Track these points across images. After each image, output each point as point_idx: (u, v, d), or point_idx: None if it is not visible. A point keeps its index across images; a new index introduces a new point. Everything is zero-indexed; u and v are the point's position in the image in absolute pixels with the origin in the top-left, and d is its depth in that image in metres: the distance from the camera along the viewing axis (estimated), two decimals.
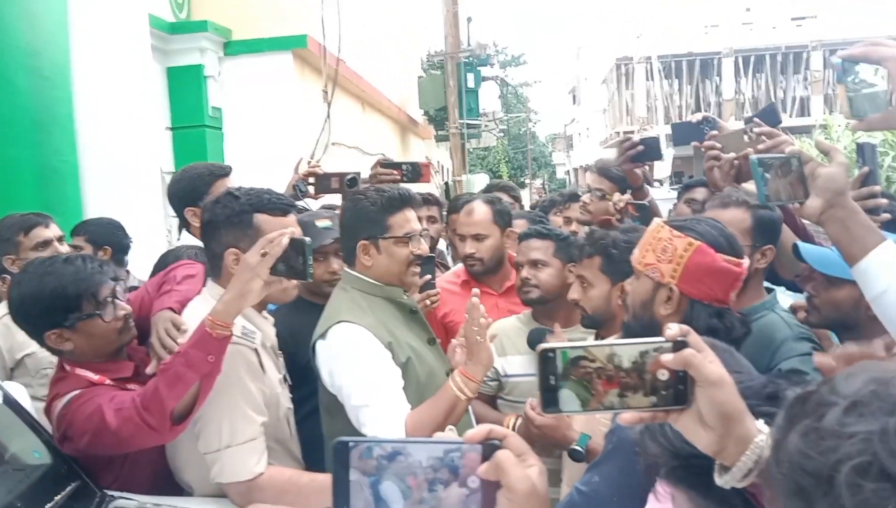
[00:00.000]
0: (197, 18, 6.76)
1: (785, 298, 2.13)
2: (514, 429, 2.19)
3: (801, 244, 1.91)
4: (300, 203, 3.09)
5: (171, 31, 6.38)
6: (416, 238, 2.18)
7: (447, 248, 4.64)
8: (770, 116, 2.43)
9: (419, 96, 14.40)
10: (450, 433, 1.83)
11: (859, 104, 1.35)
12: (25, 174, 4.21)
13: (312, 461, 2.12)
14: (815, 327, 1.90)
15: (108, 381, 1.93)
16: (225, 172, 2.80)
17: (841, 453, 0.57)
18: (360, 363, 1.99)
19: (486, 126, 17.48)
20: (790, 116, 32.51)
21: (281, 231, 1.78)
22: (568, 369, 0.87)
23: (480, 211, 2.94)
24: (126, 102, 4.73)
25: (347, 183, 2.85)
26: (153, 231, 4.65)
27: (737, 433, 0.85)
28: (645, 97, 34.94)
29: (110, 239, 3.66)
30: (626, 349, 0.87)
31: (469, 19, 16.08)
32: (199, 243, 2.31)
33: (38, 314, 1.90)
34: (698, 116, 2.48)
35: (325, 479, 1.83)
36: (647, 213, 2.67)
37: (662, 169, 19.42)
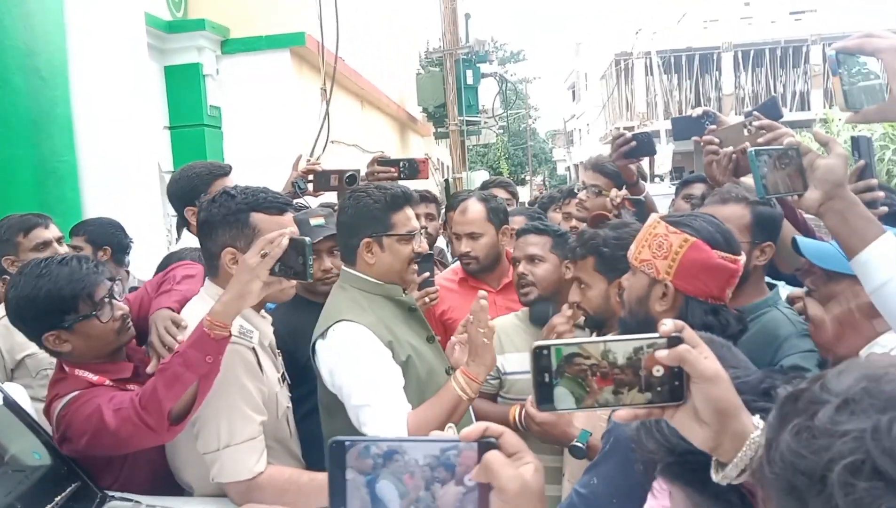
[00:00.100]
0: (194, 17, 6.76)
1: (785, 292, 2.12)
2: (518, 419, 2.19)
3: (799, 239, 1.90)
4: (299, 201, 3.09)
5: (168, 30, 6.38)
6: (417, 236, 2.20)
7: (447, 246, 4.65)
8: (771, 109, 2.42)
9: (418, 93, 14.39)
10: (449, 432, 1.83)
11: (855, 96, 1.34)
12: (24, 175, 4.21)
13: (312, 460, 2.12)
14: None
15: (107, 382, 1.93)
16: (225, 171, 2.80)
17: (833, 452, 0.57)
18: (361, 363, 1.99)
19: (485, 123, 17.46)
20: (790, 111, 32.46)
21: (280, 231, 1.77)
22: (562, 366, 0.86)
23: (475, 209, 2.94)
24: (123, 102, 4.73)
25: (347, 180, 2.84)
26: (152, 231, 4.66)
27: (733, 429, 0.85)
28: (644, 93, 34.89)
29: (110, 239, 3.66)
30: (620, 346, 0.86)
31: (467, 16, 16.05)
32: None
33: (35, 317, 1.90)
34: (698, 111, 2.47)
35: (325, 478, 1.81)
36: (643, 208, 2.67)
37: (663, 164, 19.42)
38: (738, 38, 34.11)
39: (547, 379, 0.87)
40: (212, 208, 1.92)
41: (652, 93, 33.73)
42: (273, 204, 1.93)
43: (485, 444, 0.82)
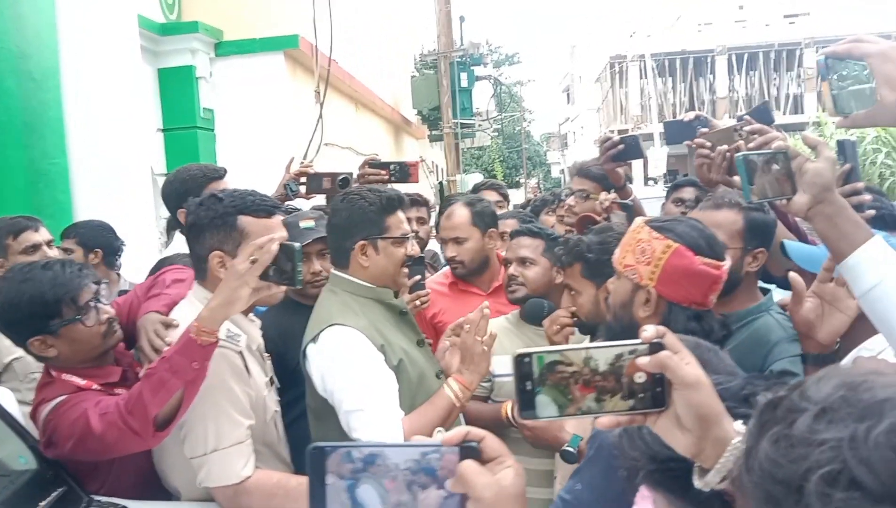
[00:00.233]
0: (188, 19, 6.74)
1: (778, 295, 2.13)
2: (511, 415, 2.20)
3: (787, 243, 1.91)
4: (291, 203, 3.08)
5: (161, 33, 6.36)
6: (409, 239, 2.21)
7: (441, 249, 4.65)
8: (763, 114, 2.43)
9: (412, 96, 14.38)
10: (437, 436, 1.83)
11: (844, 101, 1.34)
12: (15, 177, 4.20)
13: (302, 463, 2.10)
14: None
15: (95, 386, 1.91)
16: (219, 174, 2.79)
17: (811, 461, 0.57)
18: (354, 367, 1.98)
19: (479, 125, 17.48)
20: (784, 114, 32.60)
21: (270, 236, 1.76)
22: (544, 373, 0.86)
23: (459, 214, 2.95)
24: (116, 104, 4.71)
25: (339, 183, 2.84)
26: (145, 234, 4.64)
27: (714, 435, 0.85)
28: (639, 96, 34.96)
29: (101, 242, 3.64)
30: (602, 353, 0.86)
31: (462, 18, 16.08)
32: None
33: (19, 322, 1.88)
34: (690, 116, 2.47)
35: None
36: (631, 212, 2.67)
37: (657, 167, 19.46)
38: (732, 42, 34.25)
39: (529, 387, 0.86)
40: (199, 211, 1.91)
41: (646, 96, 33.80)
42: (261, 207, 1.92)
43: (466, 448, 0.82)
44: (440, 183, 15.05)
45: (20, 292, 1.86)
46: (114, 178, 4.67)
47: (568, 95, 50.25)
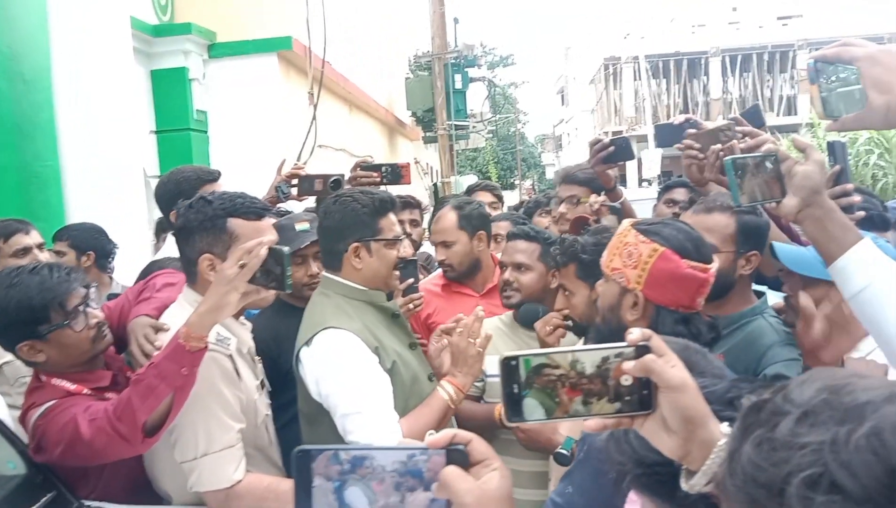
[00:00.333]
0: (181, 21, 6.74)
1: (773, 297, 2.13)
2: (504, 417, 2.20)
3: (776, 244, 1.91)
4: (283, 205, 3.07)
5: (154, 34, 6.35)
6: (402, 241, 2.22)
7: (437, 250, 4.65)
8: (753, 117, 2.43)
9: (406, 98, 14.39)
10: (427, 437, 1.83)
11: (833, 105, 1.35)
12: (7, 179, 4.19)
13: None
14: (793, 326, 1.90)
15: (85, 390, 1.90)
16: (213, 176, 2.77)
17: (792, 464, 0.57)
18: (349, 370, 1.98)
19: (474, 127, 17.49)
20: (777, 116, 32.71)
21: (258, 240, 1.75)
22: (531, 377, 0.86)
23: (446, 218, 2.95)
24: (108, 106, 4.71)
25: (331, 185, 2.83)
26: (137, 236, 4.63)
27: (701, 437, 0.85)
28: (633, 97, 35.04)
29: (93, 244, 3.63)
30: (588, 356, 0.86)
31: (456, 20, 16.09)
32: None
33: (7, 327, 1.86)
34: (681, 119, 2.47)
35: None
36: (620, 215, 2.67)
37: (652, 168, 19.49)
38: (725, 43, 34.34)
39: (516, 390, 0.86)
40: (189, 213, 1.90)
41: (640, 97, 33.89)
42: (250, 209, 1.91)
43: (453, 451, 0.82)
44: (435, 185, 15.06)
45: (8, 298, 1.84)
46: (106, 180, 4.66)
47: (562, 96, 50.30)
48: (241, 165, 5.52)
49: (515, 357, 0.86)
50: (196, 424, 1.80)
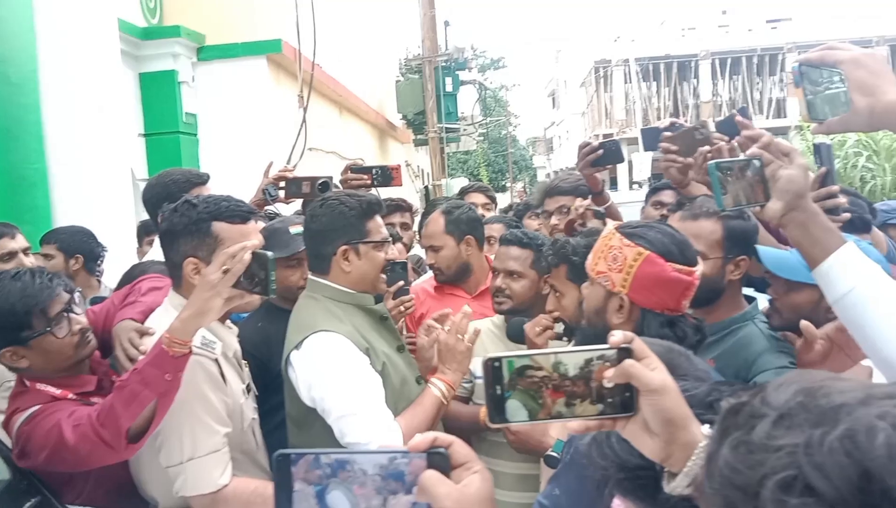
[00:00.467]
0: (169, 24, 6.70)
1: (763, 301, 2.12)
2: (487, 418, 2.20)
3: (760, 248, 1.92)
4: (270, 208, 3.06)
5: (143, 37, 6.32)
6: (389, 243, 2.22)
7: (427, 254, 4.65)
8: (730, 126, 2.45)
9: (397, 100, 14.38)
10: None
11: (818, 108, 1.35)
12: None
13: None
14: (778, 329, 1.91)
15: (70, 395, 1.89)
16: (202, 179, 2.75)
17: (767, 467, 0.57)
18: (343, 372, 1.97)
19: (464, 130, 17.51)
20: (766, 118, 32.89)
21: (242, 245, 1.73)
22: (514, 379, 0.86)
23: (434, 222, 2.97)
24: (96, 109, 4.68)
25: (319, 187, 2.82)
26: (125, 240, 4.60)
27: (682, 439, 0.85)
28: (623, 100, 35.19)
29: (82, 247, 3.62)
30: (571, 358, 0.86)
31: (446, 23, 16.11)
32: None
33: None
34: (666, 122, 2.49)
35: None
36: (604, 220, 2.68)
37: (642, 170, 19.58)
38: (715, 46, 34.54)
39: (499, 392, 0.86)
40: (173, 217, 1.89)
41: (631, 100, 34.03)
42: (235, 213, 1.89)
43: (433, 455, 0.81)
44: (426, 187, 15.05)
45: None
46: (94, 183, 4.64)
47: (553, 99, 50.41)
48: (231, 168, 5.50)
49: (499, 359, 0.86)
50: (181, 428, 1.79)
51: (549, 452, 1.92)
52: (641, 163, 18.96)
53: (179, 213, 1.88)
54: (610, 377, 0.85)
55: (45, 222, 4.21)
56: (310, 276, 2.22)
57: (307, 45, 6.85)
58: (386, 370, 2.08)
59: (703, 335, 1.63)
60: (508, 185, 35.44)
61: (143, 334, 1.90)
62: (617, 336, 0.85)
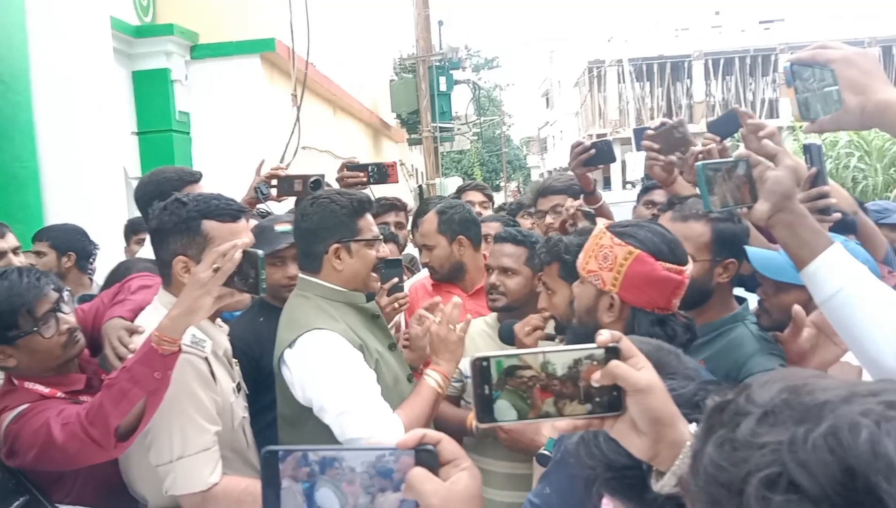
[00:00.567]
0: (162, 22, 6.67)
1: (753, 299, 2.12)
2: (476, 427, 2.21)
3: (749, 249, 1.92)
4: (262, 206, 3.05)
5: (136, 35, 6.29)
6: (380, 241, 2.22)
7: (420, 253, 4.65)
8: (728, 123, 2.46)
9: (391, 100, 14.37)
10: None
11: (811, 106, 1.36)
12: None
13: None
14: (767, 329, 1.91)
15: (59, 394, 1.88)
16: (195, 178, 2.74)
17: (751, 464, 0.57)
18: (339, 369, 1.97)
19: (459, 129, 17.50)
20: (759, 118, 32.89)
21: (233, 243, 1.73)
22: (502, 378, 0.86)
23: (427, 222, 2.99)
24: (88, 107, 4.67)
25: (311, 185, 2.81)
26: (117, 238, 4.58)
27: (670, 438, 0.86)
28: (617, 100, 35.24)
29: (74, 245, 3.61)
30: (559, 357, 0.86)
31: (440, 23, 16.09)
32: None
33: None
34: (657, 123, 2.50)
35: None
36: (594, 221, 2.68)
37: (635, 170, 19.62)
38: (708, 47, 34.62)
39: (487, 391, 0.86)
40: (163, 215, 1.88)
41: (624, 100, 34.09)
42: (225, 211, 1.89)
43: (422, 452, 0.82)
44: (420, 186, 15.05)
45: None
46: (86, 181, 4.63)
47: (547, 99, 50.45)
48: (225, 167, 5.47)
49: (486, 358, 0.86)
50: (171, 427, 1.78)
51: (542, 451, 1.92)
52: (635, 163, 18.99)
53: (169, 211, 1.87)
54: (597, 380, 0.85)
55: (37, 221, 4.20)
56: (300, 275, 2.22)
57: (301, 43, 6.83)
58: (379, 367, 2.09)
59: (693, 334, 1.64)
60: (502, 184, 35.48)
61: (133, 332, 1.89)
62: (604, 336, 0.86)
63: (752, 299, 2.08)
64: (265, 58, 7.12)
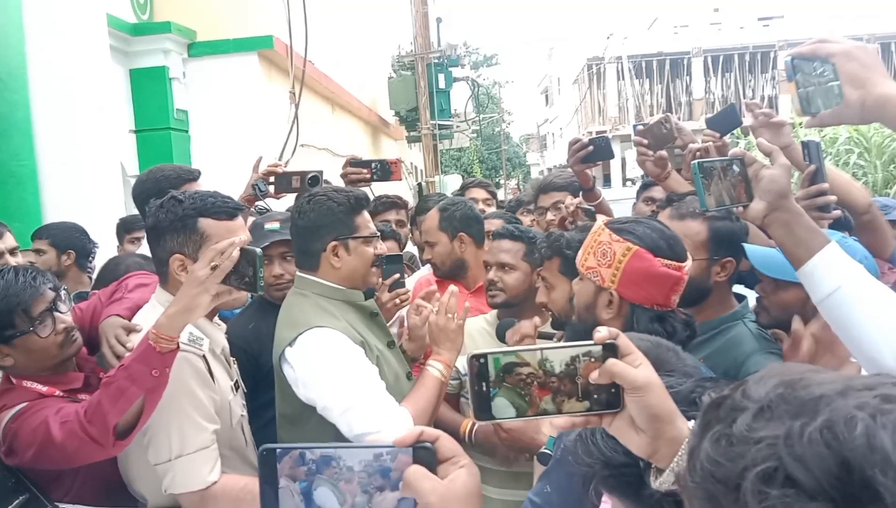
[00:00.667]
0: (160, 19, 6.67)
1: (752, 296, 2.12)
2: (470, 433, 2.22)
3: (748, 247, 1.91)
4: (260, 203, 3.05)
5: (133, 33, 6.29)
6: (377, 238, 2.22)
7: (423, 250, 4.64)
8: (729, 117, 2.46)
9: (390, 97, 14.35)
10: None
11: (811, 100, 1.36)
12: None
13: None
14: (766, 327, 1.91)
15: (58, 392, 1.88)
16: (193, 176, 2.73)
17: (747, 459, 0.57)
18: (342, 366, 1.97)
19: (458, 127, 17.47)
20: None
21: (230, 241, 1.72)
22: (500, 375, 0.86)
23: (429, 219, 3.02)
24: (86, 105, 4.66)
25: (309, 182, 2.81)
26: (115, 236, 4.58)
27: (668, 435, 0.85)
28: (616, 97, 35.20)
29: (74, 243, 3.60)
30: (557, 354, 0.86)
31: (439, 20, 16.06)
32: None
33: None
34: (655, 119, 2.50)
35: None
36: (593, 218, 2.68)
37: (635, 168, 19.62)
38: (707, 44, 34.56)
39: (484, 389, 0.86)
40: (159, 213, 1.87)
41: (623, 97, 34.07)
42: (222, 209, 1.88)
43: (419, 450, 0.81)
44: (419, 184, 15.04)
45: None
46: (84, 180, 4.62)
47: (546, 96, 50.40)
48: (223, 165, 5.46)
49: (484, 355, 0.86)
50: (169, 425, 1.78)
51: (542, 450, 1.92)
52: (634, 160, 19.01)
53: (165, 209, 1.87)
54: (595, 379, 0.84)
55: (36, 219, 4.20)
56: (298, 272, 2.21)
57: (299, 41, 6.82)
58: (380, 365, 2.09)
59: (693, 331, 1.64)
60: (502, 182, 35.47)
61: (130, 330, 1.88)
62: (602, 333, 0.85)
63: (752, 296, 2.08)
64: (263, 55, 7.12)
